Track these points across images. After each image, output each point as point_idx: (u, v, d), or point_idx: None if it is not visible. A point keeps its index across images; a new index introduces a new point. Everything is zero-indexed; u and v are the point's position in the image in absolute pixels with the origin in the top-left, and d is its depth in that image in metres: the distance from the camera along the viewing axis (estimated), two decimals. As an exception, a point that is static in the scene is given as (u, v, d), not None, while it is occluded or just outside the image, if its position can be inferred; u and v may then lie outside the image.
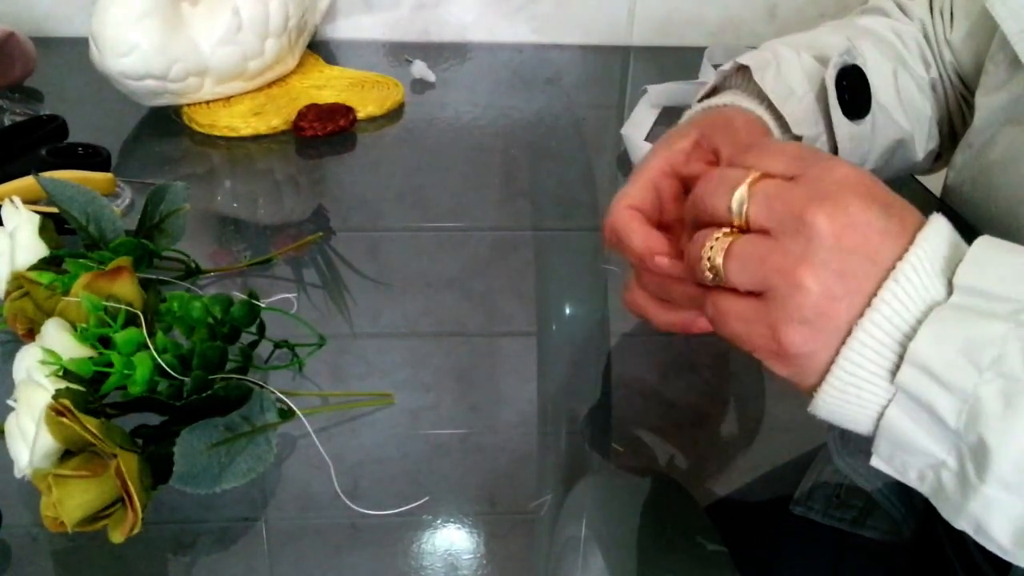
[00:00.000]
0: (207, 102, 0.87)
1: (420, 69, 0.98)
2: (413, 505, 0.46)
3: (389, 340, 0.59)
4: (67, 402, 0.40)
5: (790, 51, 0.60)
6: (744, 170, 0.37)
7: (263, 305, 0.53)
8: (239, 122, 0.84)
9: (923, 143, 0.68)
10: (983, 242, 0.35)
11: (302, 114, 0.85)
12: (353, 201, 0.76)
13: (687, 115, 0.60)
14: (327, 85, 0.94)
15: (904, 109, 0.65)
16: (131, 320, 0.47)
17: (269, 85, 0.92)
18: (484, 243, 0.70)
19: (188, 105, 0.86)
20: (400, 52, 1.04)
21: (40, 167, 0.64)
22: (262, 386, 0.47)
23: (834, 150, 0.61)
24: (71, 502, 0.39)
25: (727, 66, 0.59)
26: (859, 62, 0.61)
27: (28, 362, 0.43)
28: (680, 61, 1.06)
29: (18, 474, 0.42)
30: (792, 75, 0.58)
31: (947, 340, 0.32)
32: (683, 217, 0.46)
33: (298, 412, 0.47)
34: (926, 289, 0.34)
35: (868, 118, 0.61)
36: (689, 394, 0.56)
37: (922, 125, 0.67)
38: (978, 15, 0.66)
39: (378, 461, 0.49)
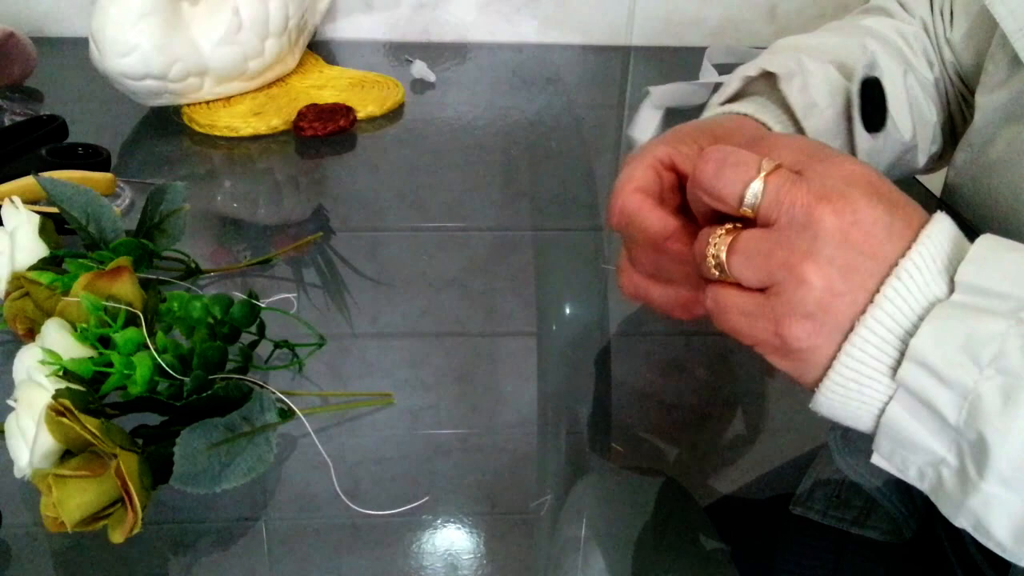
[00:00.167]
0: (207, 102, 0.87)
1: (420, 69, 0.98)
2: (413, 505, 0.46)
3: (389, 340, 0.59)
4: (67, 402, 0.40)
5: (815, 64, 0.59)
6: (755, 157, 0.36)
7: (263, 305, 0.53)
8: (239, 122, 0.84)
9: (926, 149, 0.68)
10: (985, 240, 0.35)
11: (302, 114, 0.85)
12: (353, 201, 0.76)
13: (706, 115, 0.60)
14: (327, 85, 0.94)
15: (912, 118, 0.65)
16: (131, 320, 0.47)
17: (269, 85, 0.92)
18: (484, 243, 0.70)
19: (188, 105, 0.86)
20: (400, 52, 1.05)
21: (40, 167, 0.64)
22: (262, 386, 0.47)
23: None
24: (71, 502, 0.39)
25: (752, 70, 0.58)
26: (878, 73, 0.61)
27: (28, 362, 0.43)
28: (680, 61, 1.06)
29: (18, 474, 0.42)
30: (816, 88, 0.58)
31: (948, 337, 0.32)
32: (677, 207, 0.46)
33: (298, 412, 0.47)
34: (928, 286, 0.34)
35: (883, 131, 0.61)
36: (689, 394, 0.56)
37: (927, 131, 0.67)
38: (977, 14, 0.66)
39: (378, 461, 0.49)
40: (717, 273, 0.37)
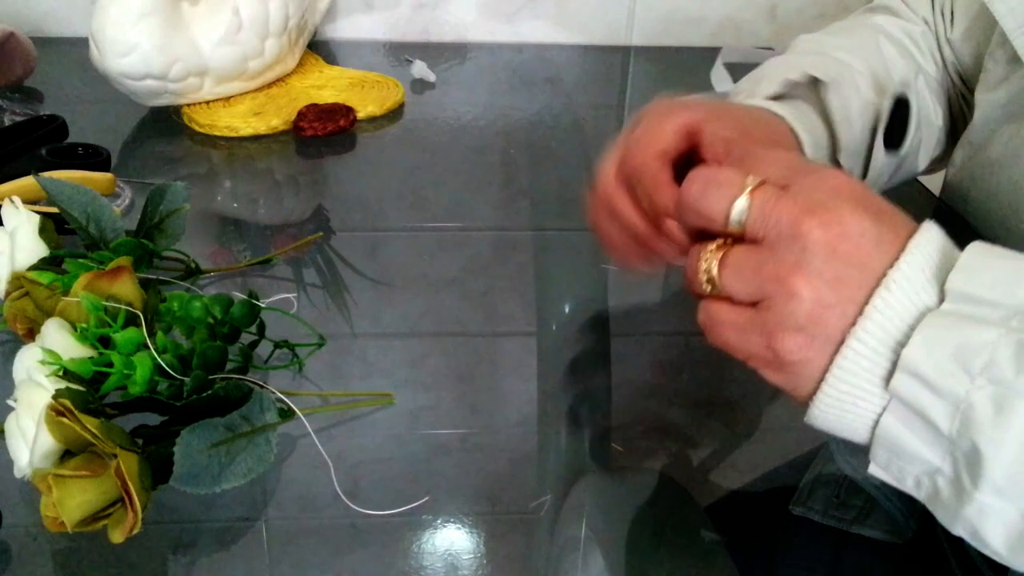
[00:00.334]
0: (207, 102, 0.87)
1: (420, 69, 0.98)
2: (413, 505, 0.46)
3: (389, 340, 0.59)
4: (67, 402, 0.40)
5: (856, 74, 0.60)
6: (740, 175, 0.37)
7: (263, 305, 0.53)
8: (239, 122, 0.84)
9: (928, 154, 0.68)
10: (975, 248, 0.35)
11: (302, 114, 0.85)
12: (353, 201, 0.76)
13: (737, 93, 0.60)
14: (327, 85, 0.94)
15: (918, 125, 0.65)
16: (131, 320, 0.47)
17: (269, 85, 0.92)
18: (484, 243, 0.70)
19: (188, 105, 0.86)
20: (400, 52, 1.05)
21: (40, 167, 0.64)
22: (262, 386, 0.47)
23: (862, 178, 0.61)
24: (71, 502, 0.39)
25: (797, 76, 0.58)
26: (909, 92, 0.61)
27: (28, 362, 0.43)
28: (680, 61, 1.06)
29: (18, 474, 0.42)
30: (854, 103, 0.58)
31: (939, 346, 0.32)
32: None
33: (298, 412, 0.47)
34: (918, 295, 0.34)
35: (900, 149, 0.62)
36: (689, 394, 0.56)
37: (931, 136, 0.67)
38: (977, 12, 0.66)
39: (378, 461, 0.49)
40: (709, 288, 0.37)
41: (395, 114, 0.90)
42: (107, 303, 0.47)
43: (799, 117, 0.57)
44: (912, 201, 0.79)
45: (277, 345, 0.54)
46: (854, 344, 0.34)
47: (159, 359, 0.45)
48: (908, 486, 0.35)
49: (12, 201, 0.54)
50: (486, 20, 1.10)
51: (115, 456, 0.40)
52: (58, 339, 0.44)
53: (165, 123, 0.85)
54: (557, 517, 0.46)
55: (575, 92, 0.99)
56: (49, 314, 0.48)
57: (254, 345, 0.52)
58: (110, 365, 0.44)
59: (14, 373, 0.45)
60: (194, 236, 0.66)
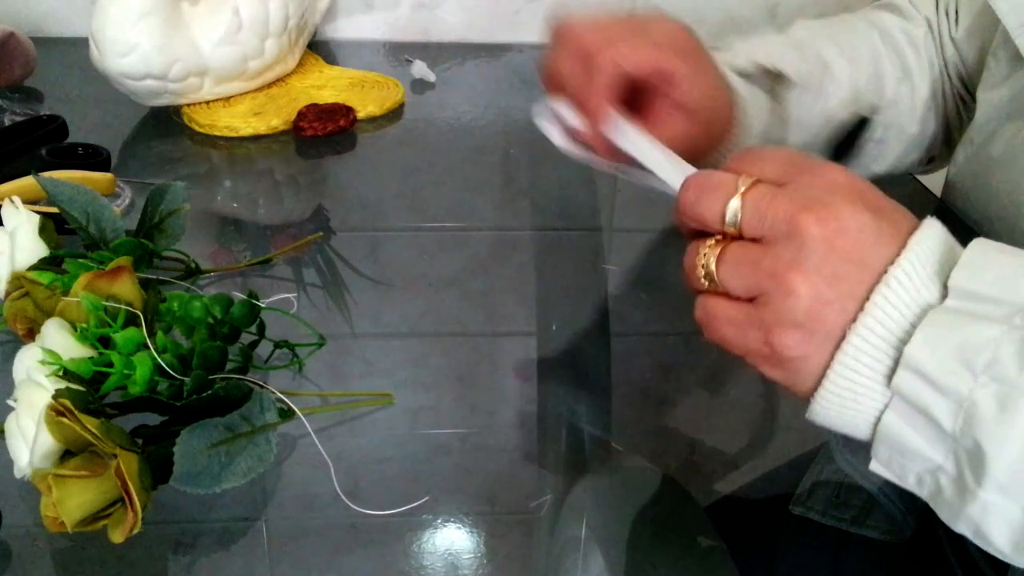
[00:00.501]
0: (207, 102, 0.87)
1: (420, 69, 0.98)
2: (413, 505, 0.46)
3: (389, 340, 0.59)
4: (67, 402, 0.40)
5: (834, 81, 0.61)
6: (733, 175, 0.37)
7: (263, 305, 0.53)
8: (239, 122, 0.84)
9: (889, 160, 0.69)
10: (977, 244, 0.34)
11: (302, 114, 0.85)
12: (353, 201, 0.76)
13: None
14: (327, 85, 0.94)
15: (883, 138, 0.66)
16: (131, 320, 0.47)
17: (269, 85, 0.92)
18: (484, 243, 0.70)
19: (188, 105, 0.86)
20: (400, 52, 1.04)
21: (40, 167, 0.64)
22: (262, 386, 0.47)
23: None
24: (71, 502, 0.39)
25: (767, 63, 0.59)
26: (873, 107, 0.61)
27: (28, 362, 0.43)
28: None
29: (18, 474, 0.42)
30: (819, 110, 0.60)
31: (942, 344, 0.32)
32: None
33: (298, 412, 0.47)
34: (919, 292, 0.34)
35: (847, 161, 0.63)
36: (689, 394, 0.56)
37: (898, 145, 0.68)
38: (980, 10, 0.66)
39: (378, 461, 0.49)
40: (706, 283, 0.37)
41: (395, 114, 0.90)
42: (107, 303, 0.47)
43: (752, 98, 0.58)
44: (912, 200, 0.79)
45: (277, 345, 0.54)
46: (855, 340, 0.34)
47: (159, 359, 0.45)
48: (910, 483, 0.35)
49: (12, 201, 0.54)
50: (486, 20, 1.10)
51: (115, 456, 0.40)
52: (58, 339, 0.44)
53: (165, 123, 0.85)
54: (557, 517, 0.46)
55: (575, 92, 0.99)
56: (49, 314, 0.48)
57: (254, 345, 0.52)
58: (110, 365, 0.44)
59: (14, 373, 0.45)
60: (194, 236, 0.66)
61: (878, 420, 0.34)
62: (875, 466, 0.36)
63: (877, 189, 0.36)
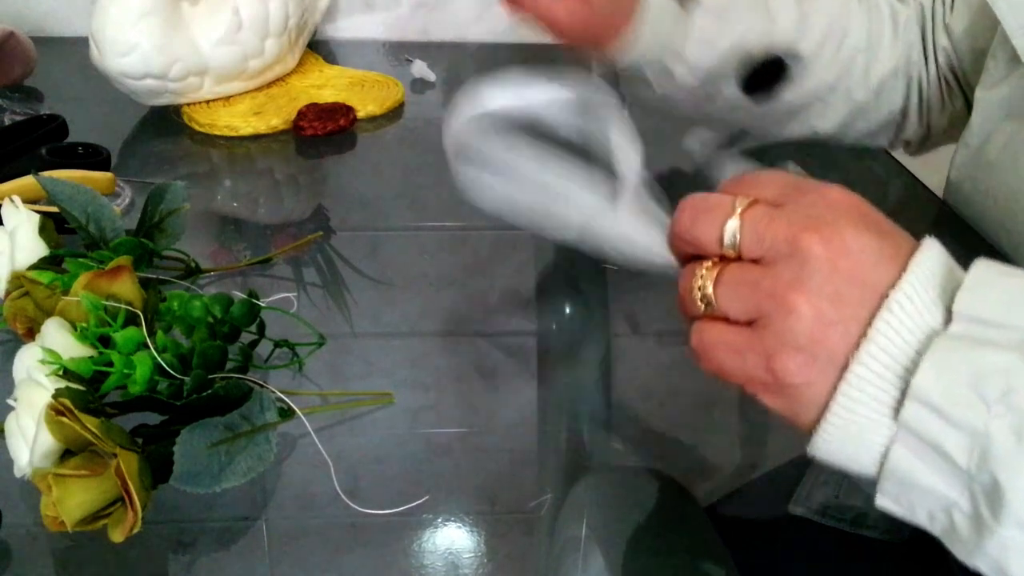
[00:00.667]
0: (207, 101, 0.87)
1: (420, 69, 0.98)
2: (413, 505, 0.46)
3: (389, 339, 0.59)
4: (67, 401, 0.40)
5: (750, 14, 0.63)
6: (730, 196, 0.36)
7: (263, 304, 0.53)
8: (239, 121, 0.84)
9: (836, 121, 0.71)
10: (981, 266, 0.33)
11: (302, 113, 0.85)
12: (353, 201, 0.76)
13: None
14: (327, 84, 0.94)
15: (825, 84, 0.68)
16: (131, 319, 0.47)
17: (269, 85, 0.92)
18: (484, 243, 0.70)
19: (188, 104, 0.86)
20: (400, 52, 1.04)
21: (40, 166, 0.64)
22: (262, 385, 0.47)
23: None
24: (71, 501, 0.39)
25: None
26: (790, 58, 0.64)
27: (28, 361, 0.43)
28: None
29: (18, 473, 0.42)
30: (725, 35, 0.62)
31: (951, 374, 0.31)
32: None
33: (298, 411, 0.47)
34: (922, 317, 0.32)
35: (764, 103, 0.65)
36: (689, 394, 0.56)
37: (841, 106, 0.70)
38: (979, 9, 0.66)
39: (378, 461, 0.49)
40: (703, 307, 0.36)
41: (395, 113, 0.90)
42: (107, 302, 0.47)
43: (658, 12, 0.59)
44: (914, 201, 0.79)
45: (277, 344, 0.54)
46: (858, 370, 0.32)
47: (159, 358, 0.45)
48: (920, 519, 0.33)
49: (12, 201, 0.54)
50: (486, 20, 1.10)
51: (115, 455, 0.40)
52: (58, 338, 0.44)
53: (165, 123, 0.85)
54: (557, 517, 0.46)
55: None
56: (49, 313, 0.48)
57: (254, 344, 0.52)
58: (110, 364, 0.44)
59: (14, 372, 0.45)
60: (194, 235, 0.66)
61: (884, 455, 0.33)
62: (881, 501, 0.34)
63: (878, 211, 0.35)
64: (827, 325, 0.33)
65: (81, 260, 0.51)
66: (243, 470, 0.43)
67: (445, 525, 0.45)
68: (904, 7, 0.70)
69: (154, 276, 0.57)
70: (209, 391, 0.44)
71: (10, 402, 0.43)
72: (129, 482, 0.39)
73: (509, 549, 0.44)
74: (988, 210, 0.66)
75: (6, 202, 0.54)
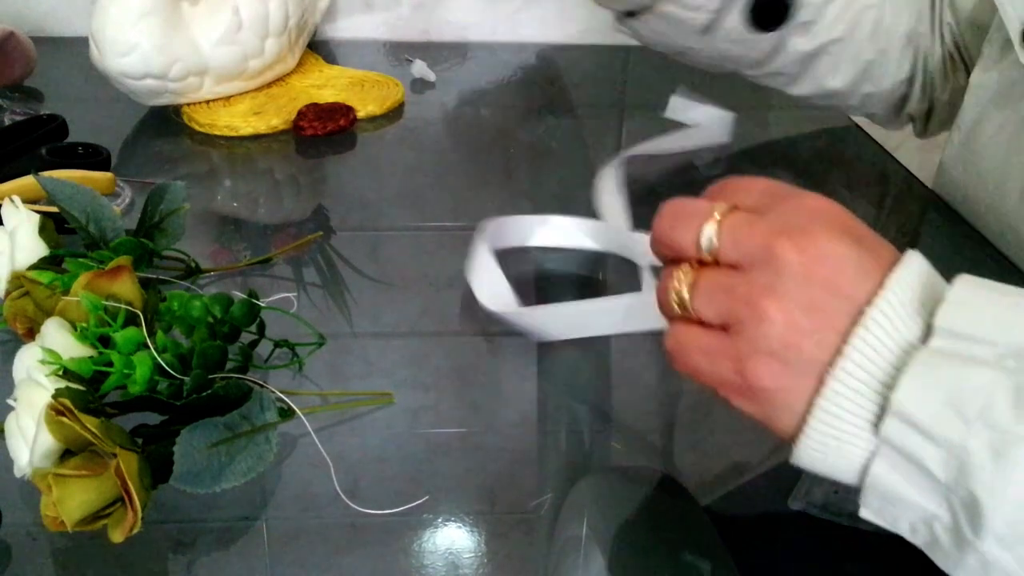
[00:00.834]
0: (207, 101, 0.87)
1: (420, 69, 0.98)
2: (413, 505, 0.46)
3: (389, 339, 0.59)
4: (67, 401, 0.40)
5: None
6: (709, 203, 0.36)
7: (263, 304, 0.53)
8: (239, 121, 0.84)
9: (844, 76, 0.72)
10: (963, 281, 0.33)
11: (302, 113, 0.85)
12: (353, 201, 0.76)
13: None
14: (327, 84, 0.94)
15: (834, 39, 0.69)
16: (131, 319, 0.47)
17: (269, 84, 0.92)
18: (484, 243, 0.70)
19: (188, 104, 0.86)
20: (400, 52, 1.05)
21: (40, 166, 0.64)
22: (262, 385, 0.47)
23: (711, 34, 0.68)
24: (71, 501, 0.39)
25: None
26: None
27: (28, 361, 0.43)
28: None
29: (18, 474, 0.42)
30: None
31: (931, 389, 0.31)
32: None
33: (298, 411, 0.47)
34: (900, 332, 0.32)
35: (777, 31, 0.66)
36: (689, 394, 0.56)
37: (847, 63, 0.72)
38: None
39: (378, 460, 0.49)
40: (679, 310, 0.36)
41: (395, 114, 0.90)
42: (107, 302, 0.47)
43: None
44: (906, 192, 0.79)
45: (277, 344, 0.54)
46: (834, 385, 0.32)
47: (159, 358, 0.45)
48: (902, 530, 0.34)
49: (12, 200, 0.54)
50: (486, 20, 1.10)
51: (115, 455, 0.40)
52: (58, 338, 0.44)
53: (165, 122, 0.85)
54: (557, 517, 0.46)
55: (575, 92, 0.99)
56: (49, 313, 0.48)
57: (254, 344, 0.52)
58: (110, 364, 0.44)
59: (14, 372, 0.45)
60: (194, 235, 0.66)
61: (865, 468, 0.33)
62: (864, 513, 0.34)
63: (857, 218, 0.35)
64: (800, 333, 0.33)
65: (81, 260, 0.51)
66: (243, 470, 0.43)
67: (445, 525, 0.45)
68: None
69: (154, 276, 0.57)
70: (209, 391, 0.44)
71: (10, 402, 0.43)
72: (129, 482, 0.39)
73: (509, 549, 0.44)
74: (978, 193, 0.66)
75: (6, 202, 0.54)
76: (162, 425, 0.45)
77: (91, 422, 0.40)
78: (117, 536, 0.40)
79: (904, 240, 0.72)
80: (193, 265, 0.60)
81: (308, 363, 0.54)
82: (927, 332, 0.32)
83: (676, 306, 0.36)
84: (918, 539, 0.33)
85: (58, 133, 0.77)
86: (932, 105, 0.75)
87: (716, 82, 0.86)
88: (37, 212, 0.54)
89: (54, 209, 0.55)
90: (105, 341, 0.46)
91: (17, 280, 0.51)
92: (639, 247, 0.61)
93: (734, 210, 0.35)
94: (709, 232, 0.35)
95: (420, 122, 0.89)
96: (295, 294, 0.61)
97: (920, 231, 0.75)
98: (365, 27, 1.09)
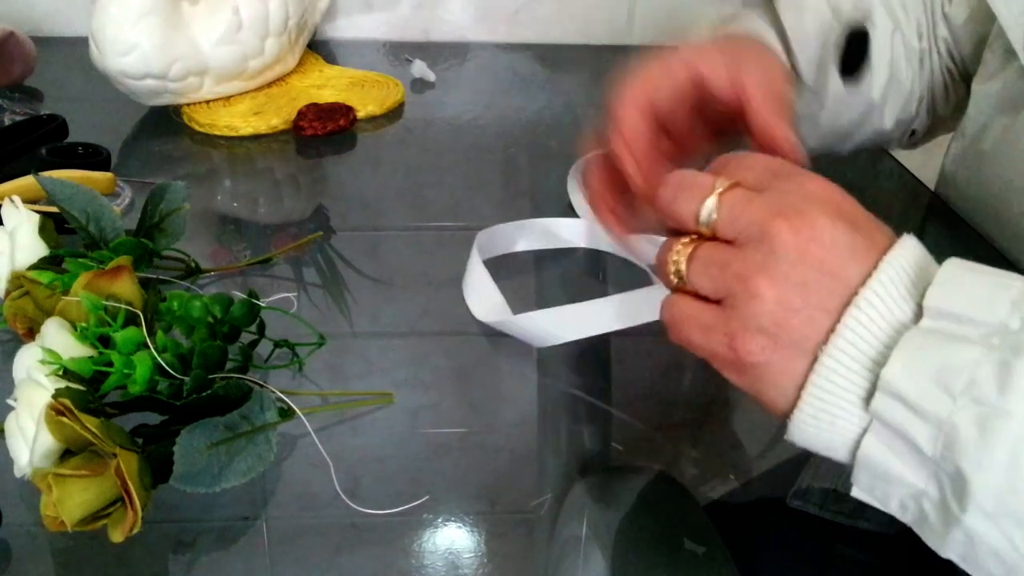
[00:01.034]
0: (207, 101, 0.87)
1: (420, 69, 0.98)
2: (413, 504, 0.46)
3: (389, 339, 0.59)
4: (67, 401, 0.40)
5: (819, 2, 0.61)
6: (712, 177, 0.37)
7: (263, 304, 0.53)
8: (239, 121, 0.84)
9: (894, 114, 0.68)
10: (952, 264, 0.34)
11: (302, 113, 0.85)
12: (353, 200, 0.76)
13: (707, 29, 0.61)
14: (327, 84, 0.94)
15: (887, 79, 0.66)
16: (131, 319, 0.47)
17: (269, 84, 0.92)
18: (484, 243, 0.70)
19: (188, 104, 0.86)
20: (400, 52, 1.05)
21: (40, 166, 0.64)
22: (262, 385, 0.47)
23: (819, 105, 0.63)
24: (71, 501, 0.39)
25: None
26: (869, 27, 0.61)
27: (28, 361, 0.43)
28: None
29: (18, 473, 0.42)
30: (809, 19, 0.60)
31: (919, 366, 0.31)
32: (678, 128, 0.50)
33: (298, 411, 0.47)
34: (891, 312, 0.33)
35: (856, 83, 0.63)
36: (689, 394, 0.56)
37: (899, 97, 0.68)
38: (979, 0, 0.66)
39: (378, 460, 0.49)
40: (676, 281, 0.37)
41: (395, 114, 0.90)
42: (107, 302, 0.47)
43: (760, 28, 0.58)
44: (907, 194, 0.79)
45: (277, 344, 0.54)
46: (827, 361, 0.33)
47: (159, 358, 0.45)
48: (892, 508, 0.34)
49: (12, 200, 0.54)
50: (486, 20, 1.10)
51: (115, 455, 0.40)
52: (58, 338, 0.44)
53: (165, 122, 0.85)
54: (557, 517, 0.46)
55: (575, 92, 0.99)
56: (49, 313, 0.48)
57: (254, 344, 0.52)
58: (110, 364, 0.44)
59: (14, 372, 0.45)
60: (194, 235, 0.66)
61: (857, 444, 0.34)
62: (856, 492, 0.35)
63: (856, 202, 0.36)
64: (790, 311, 0.34)
65: (81, 260, 0.51)
66: (243, 470, 0.43)
67: (445, 525, 0.45)
68: None
69: (154, 276, 0.57)
70: (209, 391, 0.44)
71: (10, 402, 0.43)
72: (129, 482, 0.39)
73: (509, 549, 0.44)
74: (981, 202, 0.66)
75: (6, 202, 0.54)
76: (162, 425, 0.45)
77: (91, 422, 0.40)
78: (117, 536, 0.40)
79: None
80: (193, 265, 0.60)
81: (308, 363, 0.54)
82: (918, 313, 0.33)
83: (673, 276, 0.37)
84: (907, 517, 0.34)
85: (58, 133, 0.77)
86: (934, 120, 0.74)
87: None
88: (37, 212, 0.54)
89: (54, 209, 0.55)
90: (105, 341, 0.46)
91: (17, 280, 0.51)
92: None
93: (736, 186, 0.36)
94: (709, 206, 0.36)
95: (420, 122, 0.89)
96: (295, 294, 0.61)
97: (919, 229, 0.75)
98: (365, 27, 1.09)
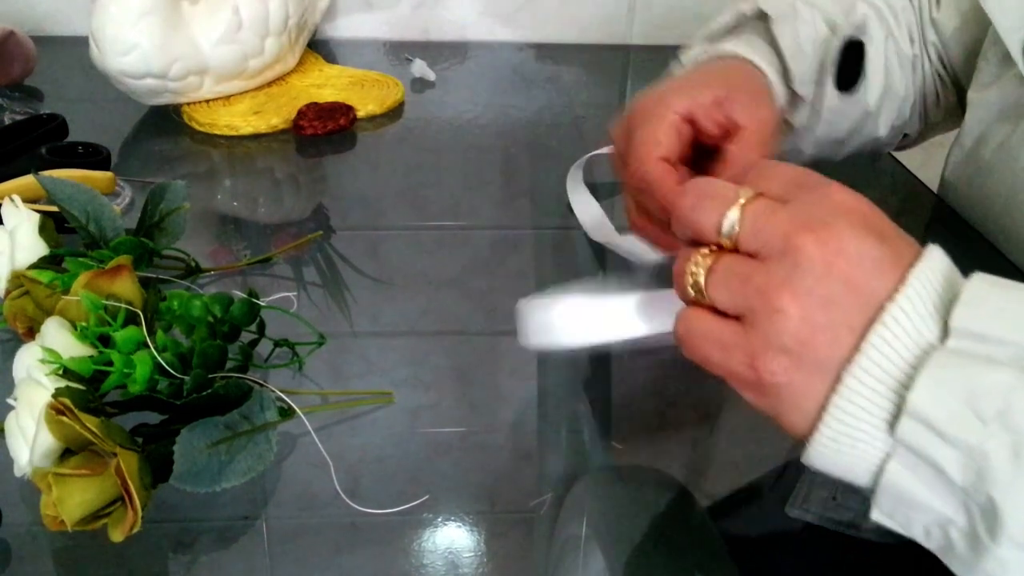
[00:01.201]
0: (207, 101, 0.87)
1: (420, 68, 0.98)
2: (413, 504, 0.46)
3: (389, 339, 0.59)
4: (67, 401, 0.40)
5: (807, 10, 0.61)
6: (734, 187, 0.35)
7: (263, 304, 0.53)
8: (239, 121, 0.84)
9: (889, 121, 0.68)
10: (979, 279, 0.32)
11: (302, 113, 0.85)
12: (353, 200, 0.76)
13: (697, 56, 0.62)
14: (327, 84, 0.94)
15: (882, 87, 0.66)
16: (131, 319, 0.47)
17: (269, 84, 0.92)
18: (484, 242, 0.70)
19: (188, 104, 0.86)
20: (400, 51, 1.04)
21: (40, 166, 0.64)
22: (262, 385, 0.47)
23: (816, 117, 0.63)
24: (71, 501, 0.39)
25: (747, 7, 0.61)
26: (864, 38, 0.62)
27: (28, 361, 0.43)
28: (680, 60, 1.06)
29: (18, 473, 0.42)
30: (805, 35, 0.60)
31: (948, 390, 0.30)
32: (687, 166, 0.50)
33: (298, 411, 0.47)
34: (918, 332, 0.32)
35: (853, 94, 0.63)
36: (689, 394, 0.56)
37: (893, 103, 0.68)
38: (971, 9, 0.66)
39: (378, 460, 0.49)
40: (693, 293, 0.35)
41: (395, 113, 0.90)
42: (107, 302, 0.47)
43: (752, 51, 0.58)
44: (913, 199, 0.79)
45: (277, 344, 0.54)
46: (850, 382, 0.32)
47: (159, 358, 0.45)
48: (916, 534, 0.33)
49: (12, 200, 0.54)
50: (486, 19, 1.10)
51: (115, 455, 0.40)
52: (58, 338, 0.44)
53: (165, 122, 0.85)
54: (557, 517, 0.46)
55: (575, 92, 0.99)
56: (49, 313, 0.48)
57: (254, 344, 0.52)
58: (110, 364, 0.44)
59: (14, 372, 0.45)
60: (194, 235, 0.66)
61: (880, 469, 0.32)
62: (877, 515, 0.34)
63: (883, 213, 0.34)
64: (815, 328, 0.32)
65: (81, 259, 0.51)
66: (243, 470, 0.43)
67: (445, 525, 0.45)
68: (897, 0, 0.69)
69: (154, 276, 0.57)
70: (209, 390, 0.44)
71: (10, 402, 0.43)
72: (129, 482, 0.39)
73: (509, 549, 0.44)
74: (984, 211, 0.66)
75: (6, 201, 0.54)
76: (162, 425, 0.45)
77: (91, 421, 0.40)
78: (117, 536, 0.40)
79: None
80: (193, 264, 0.60)
81: (308, 362, 0.54)
82: (944, 332, 0.32)
83: (690, 288, 0.35)
84: (932, 543, 0.33)
85: (58, 132, 0.77)
86: (926, 125, 0.74)
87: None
88: (37, 211, 0.54)
89: (54, 208, 0.55)
90: (105, 340, 0.46)
91: (17, 279, 0.51)
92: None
93: (759, 196, 0.34)
94: (732, 217, 0.34)
95: (420, 122, 0.89)
96: (295, 293, 0.61)
97: (922, 231, 0.75)
98: (365, 26, 1.09)
